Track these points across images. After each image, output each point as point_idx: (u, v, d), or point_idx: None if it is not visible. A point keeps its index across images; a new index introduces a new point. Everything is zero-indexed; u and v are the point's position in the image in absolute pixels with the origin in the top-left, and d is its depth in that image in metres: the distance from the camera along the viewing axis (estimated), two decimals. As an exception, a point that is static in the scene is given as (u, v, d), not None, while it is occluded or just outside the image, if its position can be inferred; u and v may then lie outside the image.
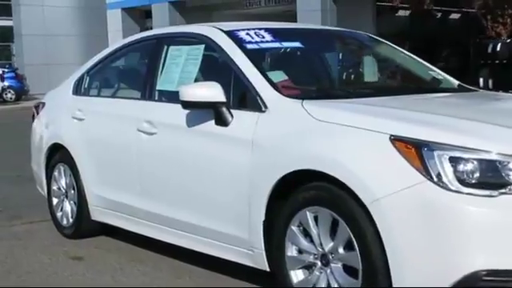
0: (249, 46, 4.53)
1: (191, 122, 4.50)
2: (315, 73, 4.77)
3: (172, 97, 4.87)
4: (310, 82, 4.61)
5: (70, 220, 5.99)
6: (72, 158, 5.82)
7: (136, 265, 5.12)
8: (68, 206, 6.04)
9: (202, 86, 4.30)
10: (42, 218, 6.69)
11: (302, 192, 3.75)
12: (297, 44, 4.87)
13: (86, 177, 5.69)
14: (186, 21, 29.91)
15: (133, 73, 6.03)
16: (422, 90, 4.72)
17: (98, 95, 5.90)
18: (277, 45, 4.72)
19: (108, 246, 5.70)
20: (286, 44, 4.76)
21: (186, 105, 4.31)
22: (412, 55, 5.29)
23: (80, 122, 5.76)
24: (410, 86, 4.92)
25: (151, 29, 31.82)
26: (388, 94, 4.38)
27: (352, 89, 4.45)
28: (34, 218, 6.80)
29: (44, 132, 6.31)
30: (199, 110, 4.36)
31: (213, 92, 4.21)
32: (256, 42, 4.60)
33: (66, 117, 5.97)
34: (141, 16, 32.12)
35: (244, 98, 4.30)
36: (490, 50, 20.92)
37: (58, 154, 6.08)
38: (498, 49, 20.66)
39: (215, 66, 4.77)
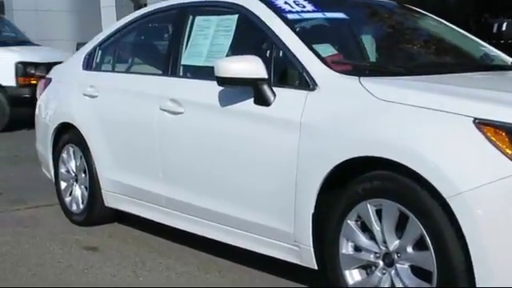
0: (290, 16, 4.05)
1: (225, 100, 4.02)
2: (363, 46, 4.27)
3: (200, 72, 4.42)
4: (359, 56, 4.11)
5: (81, 206, 5.51)
6: (83, 139, 5.33)
7: (157, 257, 4.66)
8: (78, 191, 5.56)
9: (241, 60, 3.82)
10: (47, 201, 6.23)
11: (362, 182, 3.28)
12: (341, 15, 4.39)
13: (99, 159, 5.20)
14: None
15: (152, 46, 5.52)
16: (481, 68, 4.25)
17: (113, 70, 5.39)
18: (319, 15, 4.23)
19: (123, 235, 5.23)
20: (328, 14, 4.27)
21: (223, 81, 3.82)
22: (459, 29, 4.81)
23: (92, 100, 5.26)
24: (467, 62, 4.42)
25: (145, 6, 31.37)
26: (449, 71, 3.90)
27: (409, 65, 3.97)
28: (38, 201, 6.33)
29: (51, 110, 5.81)
30: (235, 88, 3.88)
31: (253, 67, 3.73)
32: (297, 12, 4.11)
33: (76, 94, 5.48)
34: (135, -8, 31.40)
35: (287, 74, 3.83)
36: (495, 29, 20.43)
37: (67, 135, 5.59)
38: (504, 28, 20.18)
39: (251, 39, 4.29)
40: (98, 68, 5.53)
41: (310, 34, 3.99)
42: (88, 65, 5.57)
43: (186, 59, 4.52)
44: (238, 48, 4.20)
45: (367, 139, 3.22)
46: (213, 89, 4.05)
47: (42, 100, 6.10)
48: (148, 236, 5.13)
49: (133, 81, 4.99)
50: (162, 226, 4.83)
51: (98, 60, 5.53)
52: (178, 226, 4.55)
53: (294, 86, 3.74)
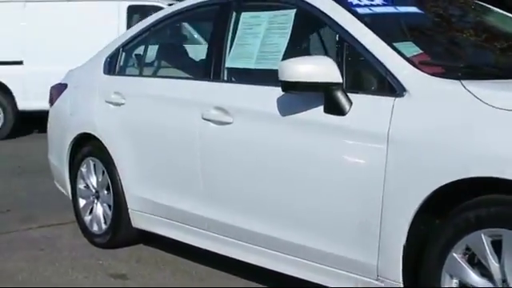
0: (360, 11, 3.48)
1: (285, 108, 3.46)
2: (449, 44, 3.70)
3: (250, 76, 3.86)
4: (448, 56, 3.54)
5: (103, 226, 4.92)
6: (106, 152, 4.75)
7: (198, 285, 4.10)
8: (100, 209, 4.98)
9: (311, 61, 3.25)
10: (60, 219, 5.68)
11: (474, 208, 2.71)
12: (414, 9, 3.82)
13: (125, 175, 4.62)
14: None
15: (187, 47, 4.94)
16: None
17: (140, 75, 4.79)
18: (392, 9, 3.66)
19: (153, 260, 4.65)
20: (401, 9, 3.70)
21: (288, 86, 3.25)
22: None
23: (117, 108, 4.68)
24: None
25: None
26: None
27: (505, 66, 3.41)
28: (50, 219, 5.75)
29: (68, 119, 5.22)
30: (300, 94, 3.31)
31: (326, 70, 3.16)
32: (366, 6, 3.55)
33: (97, 101, 4.89)
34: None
35: (362, 77, 3.28)
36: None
37: (87, 146, 5.01)
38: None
39: (313, 37, 3.73)
40: (122, 72, 4.96)
41: (387, 31, 3.41)
42: (110, 69, 4.99)
43: (232, 61, 3.95)
44: (296, 48, 3.66)
45: (484, 156, 2.65)
46: (269, 95, 3.51)
47: (56, 108, 5.51)
48: (183, 261, 4.57)
49: (166, 86, 4.40)
50: (197, 250, 4.25)
51: (121, 63, 4.95)
52: (225, 253, 3.97)
53: (373, 92, 3.18)
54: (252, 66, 3.81)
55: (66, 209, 5.79)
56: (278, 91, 3.39)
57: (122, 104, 4.64)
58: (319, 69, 3.16)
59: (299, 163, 3.37)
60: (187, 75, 4.39)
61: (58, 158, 5.40)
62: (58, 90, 5.54)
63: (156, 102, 4.38)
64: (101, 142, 4.80)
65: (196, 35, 4.62)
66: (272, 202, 3.56)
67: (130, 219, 4.67)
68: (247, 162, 3.68)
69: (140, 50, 4.89)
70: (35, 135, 11.43)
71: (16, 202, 6.45)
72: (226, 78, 3.99)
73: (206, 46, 4.20)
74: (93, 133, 4.88)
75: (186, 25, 4.75)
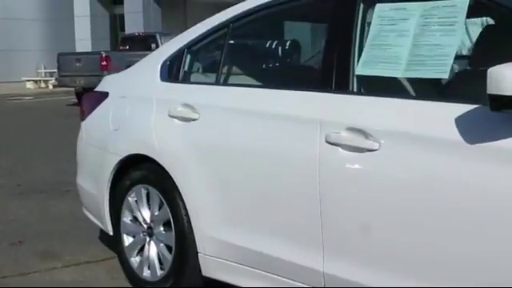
0: None
1: (473, 132, 2.50)
2: None
3: (394, 88, 2.90)
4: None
5: (158, 272, 3.91)
6: (168, 178, 3.74)
7: None
8: (153, 250, 3.96)
9: None
10: (87, 256, 4.79)
11: None
12: None
13: (197, 209, 3.62)
14: (161, 7, 27.75)
15: (288, 48, 3.93)
16: None
17: (218, 83, 3.77)
18: None
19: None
20: None
21: (503, 103, 2.29)
22: None
23: (187, 124, 3.68)
24: None
25: (120, 16, 29.49)
26: None
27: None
28: (76, 254, 4.79)
29: (111, 137, 4.19)
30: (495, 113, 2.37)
31: None
32: None
33: (155, 115, 3.89)
34: (110, 1, 29.73)
35: None
36: None
37: (139, 171, 4.00)
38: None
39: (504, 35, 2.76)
40: (189, 79, 3.96)
41: None
42: (170, 75, 3.98)
43: (365, 68, 2.98)
44: (480, 50, 2.67)
45: None
46: (434, 113, 2.58)
47: (91, 121, 4.49)
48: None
49: (262, 98, 3.40)
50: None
51: (186, 68, 3.94)
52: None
53: None
54: (400, 74, 2.85)
55: (90, 242, 4.86)
56: (448, 108, 2.52)
57: (195, 119, 3.63)
58: None
59: (503, 209, 2.41)
60: (289, 85, 3.40)
61: (94, 182, 4.38)
62: (94, 99, 4.52)
63: (248, 118, 3.38)
64: (160, 165, 3.79)
65: (297, 33, 3.62)
66: (442, 254, 2.59)
67: (199, 266, 3.65)
68: (403, 201, 2.71)
69: (214, 51, 3.89)
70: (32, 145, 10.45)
71: (28, 232, 5.41)
72: (355, 89, 3.02)
73: (319, 48, 3.23)
74: (149, 154, 3.87)
75: (281, 20, 3.73)
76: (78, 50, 26.12)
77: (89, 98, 4.62)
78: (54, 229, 5.46)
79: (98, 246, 4.94)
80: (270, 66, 3.95)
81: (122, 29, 28.32)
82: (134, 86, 4.22)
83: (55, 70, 24.55)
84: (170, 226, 3.81)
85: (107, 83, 4.54)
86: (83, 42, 27.83)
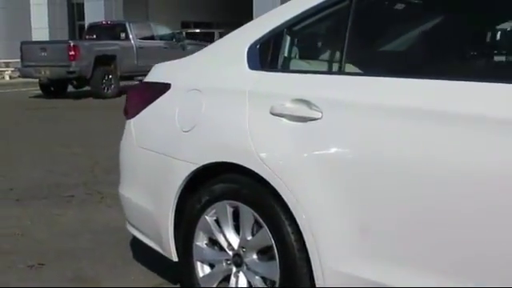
0: None
1: None
2: None
3: None
4: None
5: (252, 312, 3.07)
6: (270, 194, 2.90)
7: None
8: (243, 283, 3.14)
9: None
10: (129, 281, 3.90)
11: None
12: None
13: (317, 234, 2.79)
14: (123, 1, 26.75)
15: (444, 25, 3.10)
16: None
17: (342, 72, 2.92)
18: None
19: None
20: None
21: None
22: None
23: (302, 125, 2.84)
24: None
25: (79, 5, 28.16)
26: None
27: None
28: (114, 281, 3.97)
29: (179, 139, 3.33)
30: None
31: None
32: None
33: (251, 112, 3.04)
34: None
35: None
36: None
37: (223, 184, 3.16)
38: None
39: None
40: (289, 67, 3.13)
41: None
42: (264, 62, 3.15)
43: None
44: None
45: None
46: None
47: (146, 119, 3.63)
48: None
49: (435, 92, 2.56)
50: None
51: (287, 53, 3.11)
52: None
53: None
54: None
55: (128, 264, 4.10)
56: None
57: (315, 119, 2.80)
58: None
59: None
60: (452, 73, 2.60)
61: (150, 195, 3.53)
62: (147, 92, 3.65)
63: (405, 119, 2.56)
64: (257, 177, 2.95)
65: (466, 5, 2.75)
66: None
67: (318, 308, 2.84)
68: None
69: (331, 31, 3.06)
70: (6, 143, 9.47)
71: (43, 251, 4.54)
72: None
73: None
74: (242, 163, 3.02)
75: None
76: (35, 39, 24.86)
77: (139, 91, 3.77)
78: (74, 246, 4.61)
79: (137, 267, 4.11)
80: (417, 49, 3.12)
81: (80, 18, 27.18)
82: (210, 77, 3.37)
83: (10, 60, 23.31)
84: (268, 254, 2.99)
85: (166, 73, 3.68)
86: (40, 30, 26.58)
